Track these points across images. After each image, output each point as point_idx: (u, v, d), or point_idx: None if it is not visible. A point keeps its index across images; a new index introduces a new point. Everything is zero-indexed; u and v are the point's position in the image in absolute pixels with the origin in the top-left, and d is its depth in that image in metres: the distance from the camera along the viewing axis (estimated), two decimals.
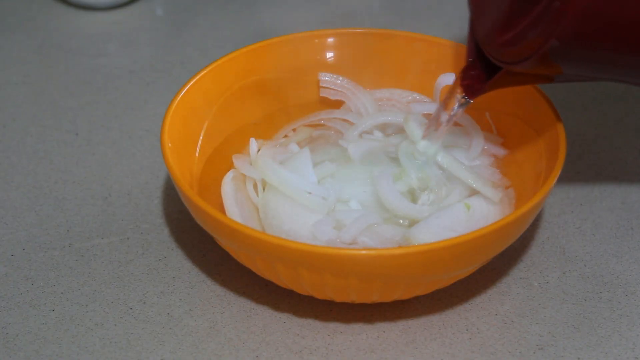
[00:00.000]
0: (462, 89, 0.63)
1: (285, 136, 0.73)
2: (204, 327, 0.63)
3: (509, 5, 0.56)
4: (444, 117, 0.64)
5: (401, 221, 0.65)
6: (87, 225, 0.71)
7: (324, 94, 0.74)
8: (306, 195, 0.64)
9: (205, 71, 0.70)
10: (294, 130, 0.73)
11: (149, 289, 0.66)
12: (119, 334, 0.63)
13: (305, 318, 0.64)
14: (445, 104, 0.64)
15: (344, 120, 0.73)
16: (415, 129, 0.67)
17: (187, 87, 0.68)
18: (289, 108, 0.74)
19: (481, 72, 0.62)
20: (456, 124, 0.71)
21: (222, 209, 0.67)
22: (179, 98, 0.68)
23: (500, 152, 0.70)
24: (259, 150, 0.70)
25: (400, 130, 0.71)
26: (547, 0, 0.52)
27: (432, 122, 0.65)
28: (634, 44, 0.53)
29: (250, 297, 0.65)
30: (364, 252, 0.57)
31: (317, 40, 0.74)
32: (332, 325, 0.64)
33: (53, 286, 0.66)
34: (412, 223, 0.65)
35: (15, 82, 0.85)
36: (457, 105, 0.64)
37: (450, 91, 0.64)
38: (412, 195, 0.67)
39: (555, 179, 0.62)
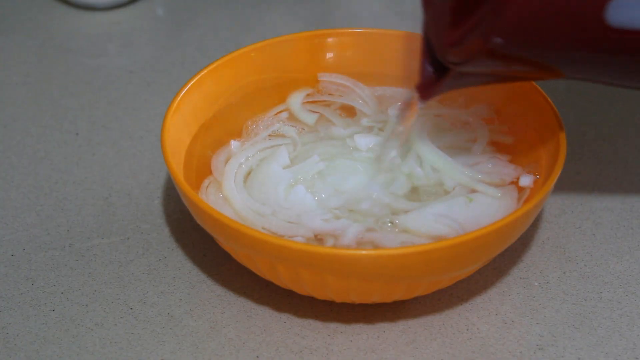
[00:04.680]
0: (416, 91, 0.63)
1: (280, 112, 0.73)
2: (205, 327, 0.63)
3: (452, 7, 0.57)
4: (403, 120, 0.65)
5: (396, 227, 0.65)
6: (87, 226, 0.71)
7: (325, 90, 0.74)
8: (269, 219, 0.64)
9: (205, 71, 0.70)
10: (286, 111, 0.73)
11: (150, 289, 0.66)
12: (119, 334, 0.63)
13: (306, 318, 0.64)
14: (404, 107, 0.65)
15: (348, 105, 0.74)
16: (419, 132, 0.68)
17: (187, 87, 0.69)
18: (289, 107, 0.74)
19: (434, 73, 0.62)
20: (464, 123, 0.71)
21: None
22: (179, 98, 0.68)
23: (508, 139, 0.70)
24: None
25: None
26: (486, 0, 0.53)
27: (392, 126, 0.66)
28: (572, 38, 0.54)
29: (251, 297, 0.65)
30: (364, 252, 0.57)
31: (317, 40, 0.74)
32: (333, 326, 0.64)
33: (53, 286, 0.66)
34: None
35: (15, 82, 0.86)
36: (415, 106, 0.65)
37: (408, 95, 0.64)
38: (414, 192, 0.67)
39: (556, 179, 0.62)
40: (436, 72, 0.61)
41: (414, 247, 0.57)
